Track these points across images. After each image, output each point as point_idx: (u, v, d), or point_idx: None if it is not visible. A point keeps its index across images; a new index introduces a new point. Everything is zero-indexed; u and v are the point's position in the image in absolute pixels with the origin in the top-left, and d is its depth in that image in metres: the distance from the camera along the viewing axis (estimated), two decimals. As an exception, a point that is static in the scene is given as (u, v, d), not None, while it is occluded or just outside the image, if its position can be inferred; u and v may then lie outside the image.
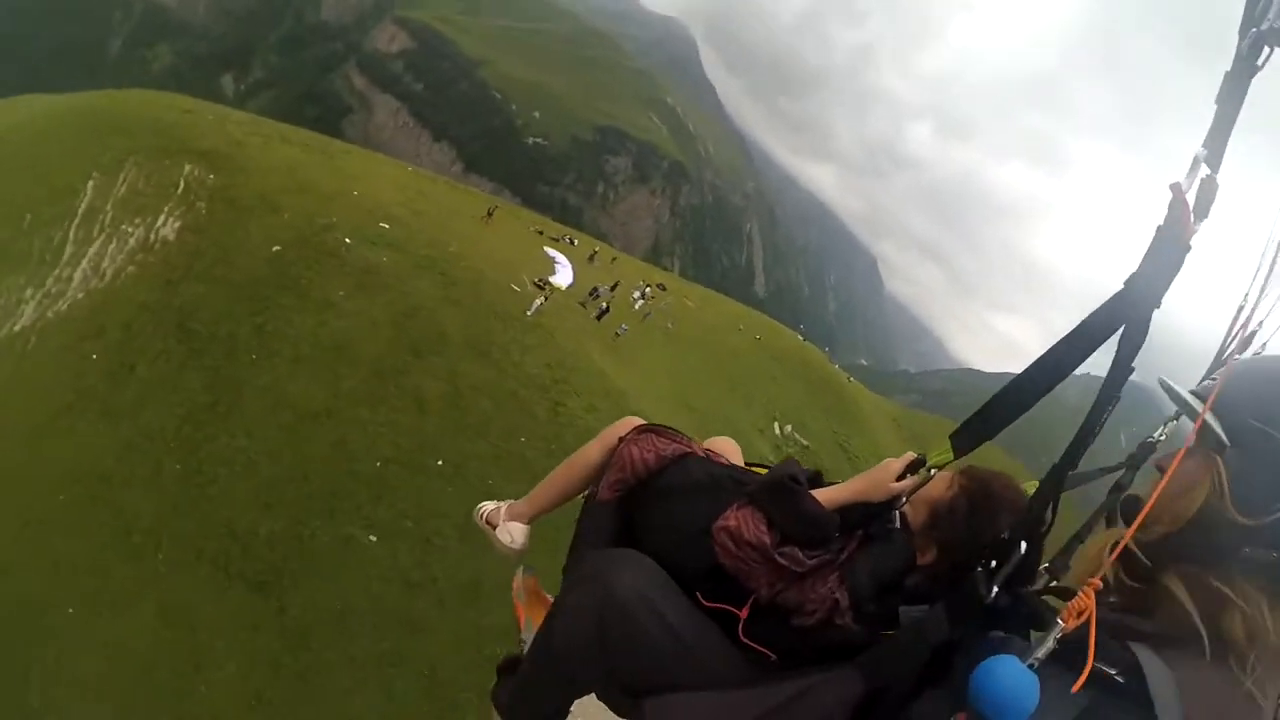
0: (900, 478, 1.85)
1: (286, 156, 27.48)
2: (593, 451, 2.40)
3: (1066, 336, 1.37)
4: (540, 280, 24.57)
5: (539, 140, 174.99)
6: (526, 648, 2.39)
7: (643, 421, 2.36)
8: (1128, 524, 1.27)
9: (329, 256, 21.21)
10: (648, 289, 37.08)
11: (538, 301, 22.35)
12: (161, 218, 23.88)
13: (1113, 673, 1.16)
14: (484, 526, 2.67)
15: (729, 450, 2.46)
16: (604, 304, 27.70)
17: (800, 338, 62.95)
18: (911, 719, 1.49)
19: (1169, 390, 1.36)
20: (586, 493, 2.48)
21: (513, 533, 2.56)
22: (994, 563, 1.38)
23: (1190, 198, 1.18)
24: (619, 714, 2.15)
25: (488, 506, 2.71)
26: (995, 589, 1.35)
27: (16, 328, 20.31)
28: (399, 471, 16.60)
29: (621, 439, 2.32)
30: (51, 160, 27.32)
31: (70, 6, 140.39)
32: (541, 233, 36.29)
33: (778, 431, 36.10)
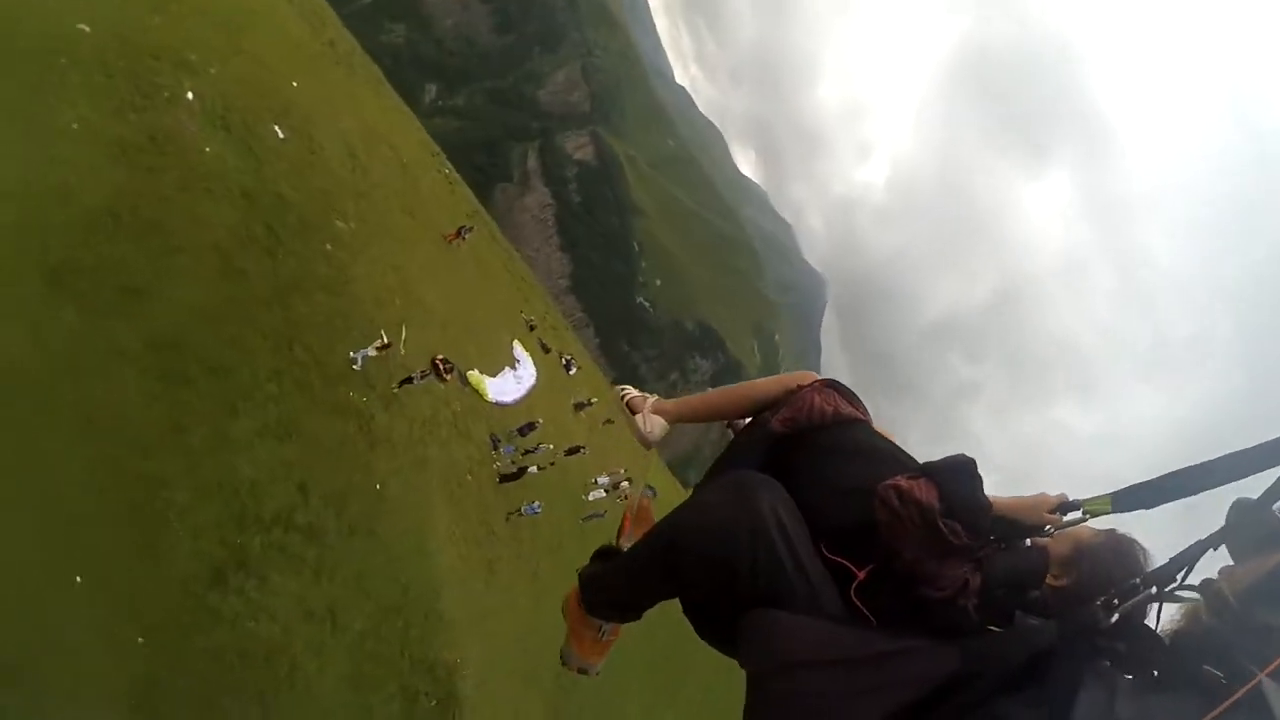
0: (1053, 512, 2.12)
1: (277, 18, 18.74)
2: (769, 386, 2.52)
3: (1247, 450, 1.70)
4: (443, 361, 13.83)
5: (645, 303, 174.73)
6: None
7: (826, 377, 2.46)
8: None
9: (136, 89, 11.45)
10: (625, 482, 25.72)
11: (369, 350, 11.52)
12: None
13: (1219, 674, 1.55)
14: (623, 408, 2.84)
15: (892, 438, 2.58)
16: (525, 467, 16.34)
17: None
18: (998, 714, 1.67)
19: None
20: (729, 424, 2.79)
21: (653, 425, 2.73)
22: (1116, 600, 1.82)
23: None
24: (698, 629, 2.27)
25: (631, 390, 2.90)
26: (1115, 617, 1.78)
27: None
28: None
29: (801, 385, 2.41)
30: None
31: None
32: (534, 327, 25.86)
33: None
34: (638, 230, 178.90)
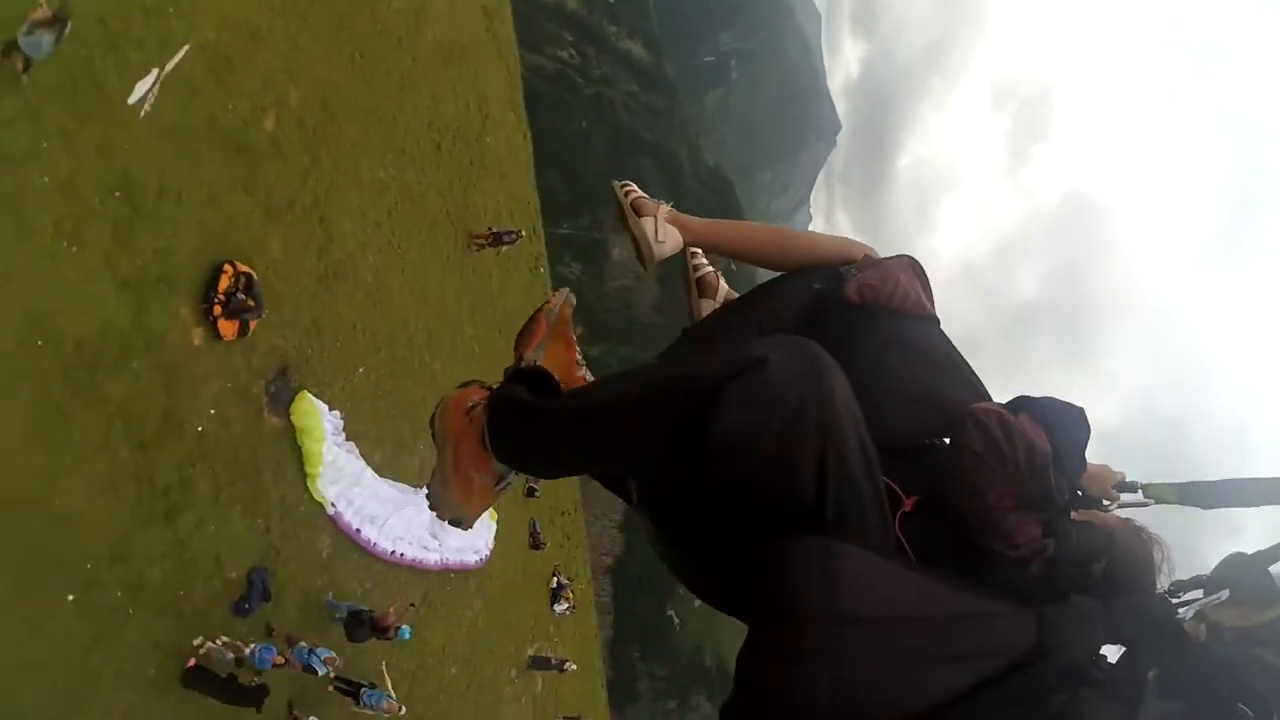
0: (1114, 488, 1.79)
1: None
2: (825, 245, 1.86)
3: None
4: (239, 278, 8.57)
5: (674, 617, 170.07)
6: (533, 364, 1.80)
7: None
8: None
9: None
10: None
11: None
12: None
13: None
14: (625, 204, 1.99)
15: None
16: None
17: None
18: (1079, 706, 1.35)
19: None
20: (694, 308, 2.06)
21: (667, 236, 1.93)
22: (1181, 595, 1.58)
23: None
24: (660, 530, 1.63)
25: (635, 189, 2.03)
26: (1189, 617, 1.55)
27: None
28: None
29: (870, 255, 1.81)
30: None
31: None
32: (534, 493, 18.06)
33: None
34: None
